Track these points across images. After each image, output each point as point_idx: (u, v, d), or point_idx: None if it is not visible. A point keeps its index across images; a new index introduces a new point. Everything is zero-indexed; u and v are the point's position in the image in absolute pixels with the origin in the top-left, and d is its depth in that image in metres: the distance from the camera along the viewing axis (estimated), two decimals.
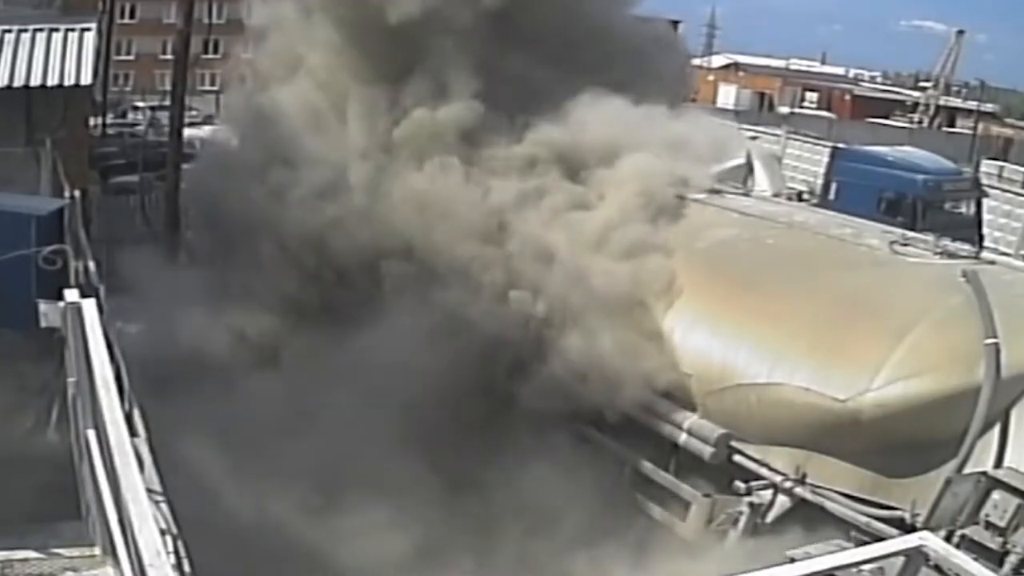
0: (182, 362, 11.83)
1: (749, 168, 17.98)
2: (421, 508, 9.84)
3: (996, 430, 8.53)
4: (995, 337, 8.57)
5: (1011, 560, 7.38)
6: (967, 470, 8.22)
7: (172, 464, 6.02)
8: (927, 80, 48.25)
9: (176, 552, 4.63)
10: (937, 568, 4.11)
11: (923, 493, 8.30)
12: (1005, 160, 33.07)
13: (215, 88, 34.12)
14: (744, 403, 10.04)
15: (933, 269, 10.18)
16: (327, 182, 13.02)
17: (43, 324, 7.28)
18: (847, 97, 48.49)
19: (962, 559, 4.12)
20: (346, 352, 11.45)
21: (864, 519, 8.80)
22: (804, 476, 9.46)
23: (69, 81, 12.86)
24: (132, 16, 43.52)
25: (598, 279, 11.13)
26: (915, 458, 8.78)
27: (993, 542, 7.44)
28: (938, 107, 45.17)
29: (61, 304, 6.04)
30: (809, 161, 25.66)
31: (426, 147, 12.75)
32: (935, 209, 20.54)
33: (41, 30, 13.30)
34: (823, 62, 58.57)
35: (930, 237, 10.84)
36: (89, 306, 5.75)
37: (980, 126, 41.14)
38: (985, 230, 22.19)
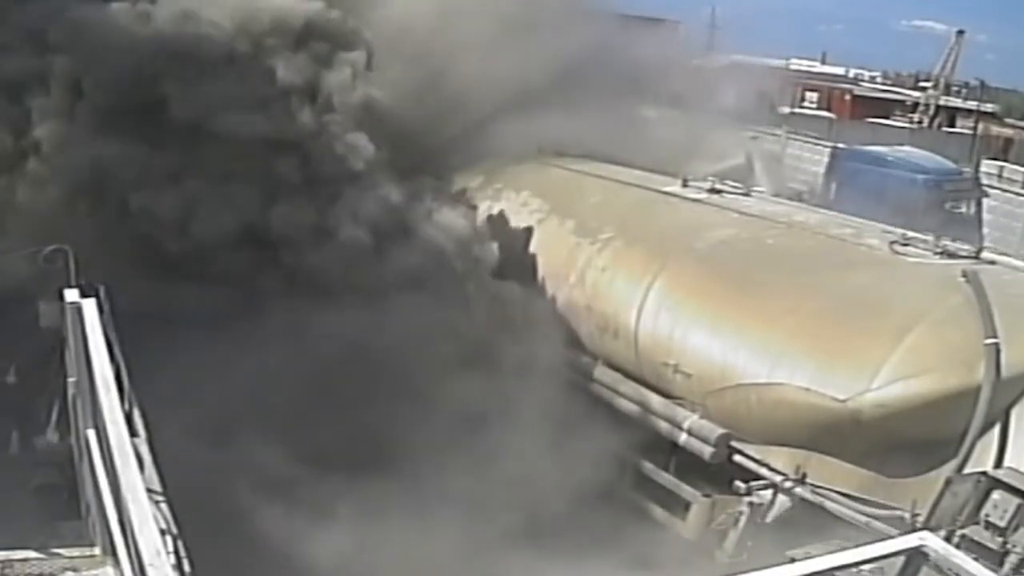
0: None
1: (749, 168, 18.01)
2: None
3: (996, 430, 8.53)
4: (995, 337, 8.57)
5: (1011, 560, 7.37)
6: (967, 470, 8.22)
7: None
8: (927, 80, 48.14)
9: (176, 552, 4.63)
10: (937, 568, 4.11)
11: (923, 493, 8.30)
12: (1005, 160, 33.01)
13: None
14: (744, 403, 10.04)
15: (933, 269, 10.18)
16: None
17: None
18: (847, 97, 48.41)
19: (962, 559, 4.12)
20: None
21: (864, 519, 8.81)
22: (804, 476, 9.46)
23: None
24: None
25: None
26: (915, 458, 8.78)
27: (993, 542, 7.43)
28: (938, 107, 45.08)
29: (61, 304, 6.04)
30: (809, 161, 25.66)
31: None
32: (935, 209, 20.55)
33: None
34: (823, 62, 58.42)
35: (930, 237, 10.83)
36: (89, 306, 5.75)
37: (980, 126, 41.09)
38: (985, 230, 22.19)
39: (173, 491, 5.35)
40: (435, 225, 12.36)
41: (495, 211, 13.72)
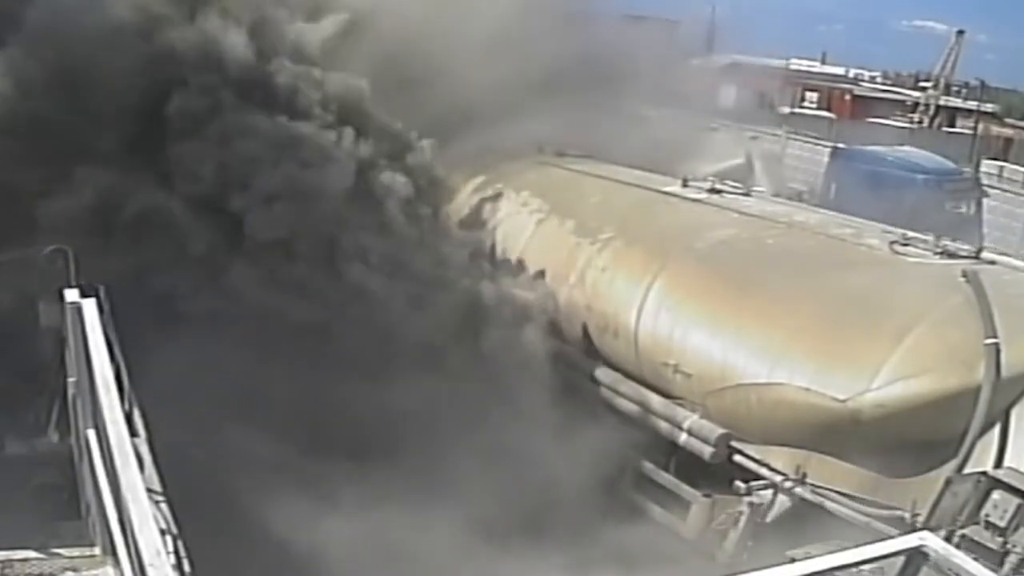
0: None
1: (749, 168, 18.04)
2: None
3: (996, 430, 8.53)
4: (995, 337, 8.57)
5: (1011, 560, 7.37)
6: (967, 470, 8.22)
7: None
8: (927, 80, 48.14)
9: (176, 552, 4.63)
10: (937, 568, 4.11)
11: (923, 493, 8.30)
12: (1005, 160, 33.03)
13: None
14: (744, 403, 10.04)
15: (933, 269, 10.17)
16: None
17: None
18: (847, 97, 48.42)
19: (962, 559, 4.12)
20: None
21: (864, 519, 8.81)
22: (804, 476, 9.46)
23: None
24: None
25: None
26: (915, 458, 8.78)
27: (993, 542, 7.43)
28: (938, 107, 45.10)
29: (61, 304, 6.04)
30: (809, 161, 25.68)
31: None
32: (935, 209, 20.58)
33: None
34: (823, 62, 58.43)
35: (930, 237, 10.84)
36: (89, 306, 5.75)
37: (980, 126, 41.12)
38: (985, 230, 22.22)
39: (173, 490, 5.36)
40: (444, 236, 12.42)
41: (495, 211, 13.72)
